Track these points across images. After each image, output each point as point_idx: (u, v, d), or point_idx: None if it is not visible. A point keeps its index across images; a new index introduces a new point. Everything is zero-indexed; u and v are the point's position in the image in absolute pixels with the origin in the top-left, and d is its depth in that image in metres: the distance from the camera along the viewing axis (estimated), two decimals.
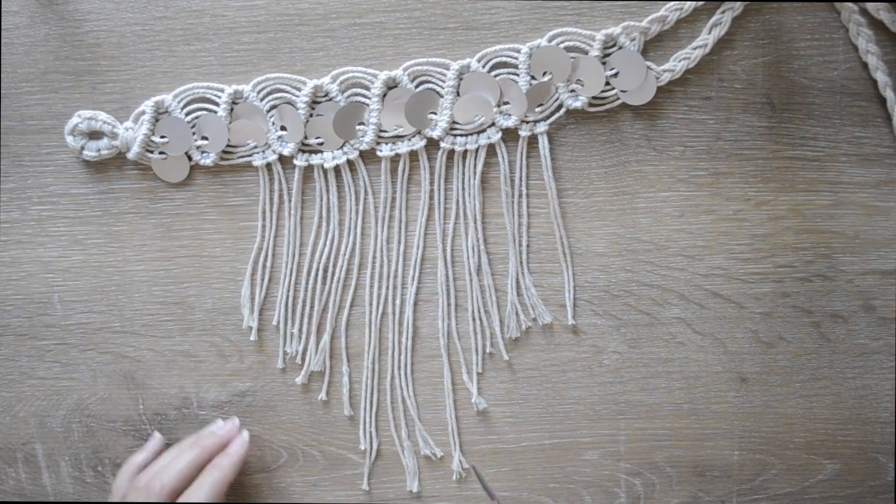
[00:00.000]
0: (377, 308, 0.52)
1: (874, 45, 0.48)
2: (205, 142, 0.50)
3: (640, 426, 0.53)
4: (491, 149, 0.50)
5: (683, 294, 0.51)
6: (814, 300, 0.51)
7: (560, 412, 0.53)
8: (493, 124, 0.50)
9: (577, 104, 0.49)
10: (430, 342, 0.52)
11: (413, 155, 0.50)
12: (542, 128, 0.50)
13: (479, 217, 0.51)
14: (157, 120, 0.50)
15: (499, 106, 0.49)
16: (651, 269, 0.51)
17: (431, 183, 0.51)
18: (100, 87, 0.50)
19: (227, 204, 0.51)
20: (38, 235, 0.52)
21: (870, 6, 0.48)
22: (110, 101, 0.50)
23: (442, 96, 0.49)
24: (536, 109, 0.49)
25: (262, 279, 0.52)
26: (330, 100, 0.50)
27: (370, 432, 0.53)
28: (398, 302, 0.52)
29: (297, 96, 0.49)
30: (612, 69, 0.49)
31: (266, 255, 0.51)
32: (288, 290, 0.52)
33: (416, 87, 0.49)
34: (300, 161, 0.50)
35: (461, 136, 0.50)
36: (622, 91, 0.49)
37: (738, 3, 0.48)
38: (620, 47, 0.49)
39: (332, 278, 0.52)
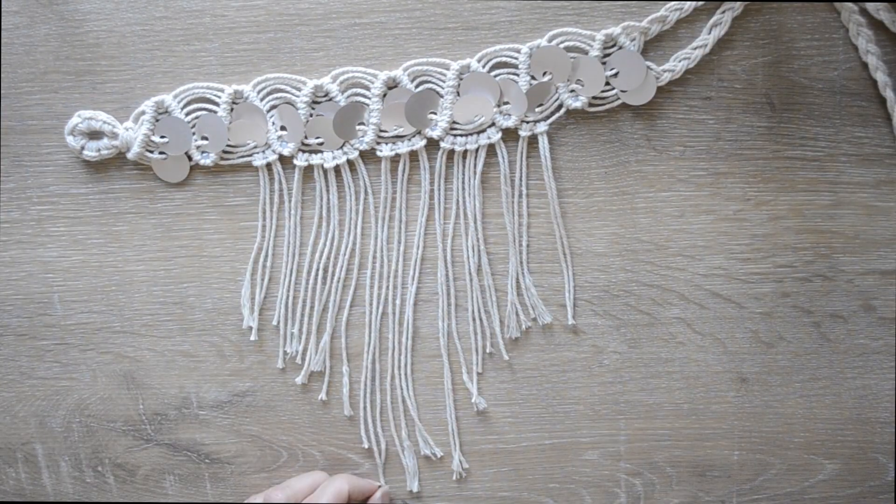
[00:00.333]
0: (377, 308, 0.52)
1: (874, 45, 0.48)
2: (205, 142, 0.50)
3: (640, 426, 0.53)
4: (491, 149, 0.50)
5: (683, 294, 0.51)
6: (814, 300, 0.51)
7: (560, 412, 0.53)
8: (493, 124, 0.50)
9: (577, 104, 0.49)
10: (430, 342, 0.52)
11: (413, 155, 0.50)
12: (542, 128, 0.50)
13: (479, 217, 0.51)
14: (157, 120, 0.50)
15: (499, 106, 0.49)
16: (651, 269, 0.51)
17: (431, 183, 0.51)
18: (100, 87, 0.50)
19: (227, 204, 0.51)
20: (38, 235, 0.52)
21: (870, 6, 0.48)
22: (110, 101, 0.50)
23: (442, 96, 0.49)
24: (536, 109, 0.49)
25: (262, 279, 0.52)
26: (330, 100, 0.50)
27: (376, 433, 0.53)
28: (398, 302, 0.52)
29: (297, 96, 0.49)
30: (612, 69, 0.49)
31: (266, 255, 0.51)
32: (288, 290, 0.52)
33: (416, 87, 0.49)
34: (300, 161, 0.50)
35: (461, 136, 0.50)
36: (622, 91, 0.49)
37: (738, 3, 0.48)
38: (620, 47, 0.49)
39: (332, 278, 0.52)
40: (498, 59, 0.49)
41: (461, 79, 0.49)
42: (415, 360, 0.53)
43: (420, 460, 0.53)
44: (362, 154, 0.50)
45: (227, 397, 0.53)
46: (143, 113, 0.50)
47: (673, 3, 0.48)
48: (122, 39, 0.49)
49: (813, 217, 0.50)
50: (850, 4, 0.48)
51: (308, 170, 0.51)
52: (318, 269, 0.52)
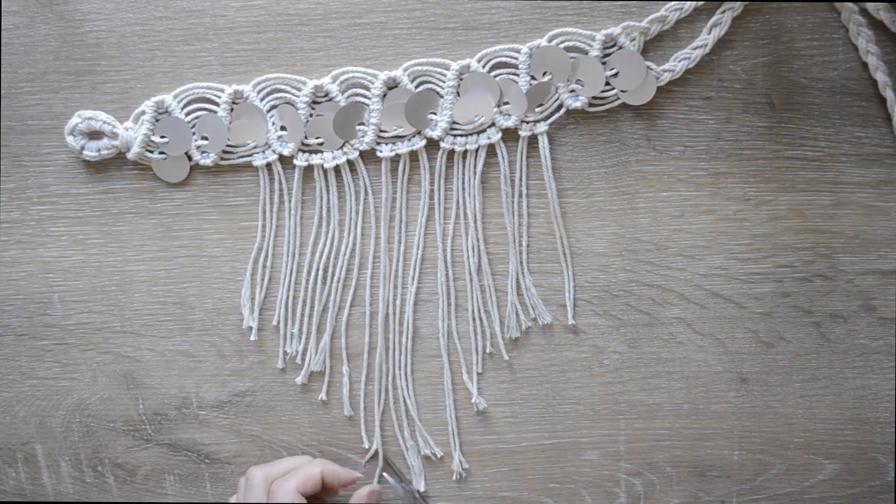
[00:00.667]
0: (377, 308, 0.52)
1: (874, 45, 0.48)
2: (205, 142, 0.50)
3: (640, 426, 0.53)
4: (491, 149, 0.50)
5: (683, 294, 0.51)
6: (814, 300, 0.51)
7: (560, 412, 0.53)
8: (493, 124, 0.50)
9: (577, 104, 0.49)
10: (430, 342, 0.52)
11: (413, 155, 0.50)
12: (542, 128, 0.50)
13: (479, 217, 0.51)
14: (157, 120, 0.50)
15: (499, 106, 0.49)
16: (651, 269, 0.51)
17: (431, 183, 0.51)
18: (100, 87, 0.50)
19: (227, 204, 0.51)
20: (38, 235, 0.52)
21: (870, 6, 0.48)
22: (110, 101, 0.50)
23: (442, 96, 0.49)
24: (536, 109, 0.49)
25: (262, 279, 0.52)
26: (330, 100, 0.50)
27: (377, 433, 0.53)
28: (398, 302, 0.52)
29: (297, 96, 0.49)
30: (612, 69, 0.49)
31: (266, 255, 0.51)
32: (288, 290, 0.52)
33: (416, 87, 0.49)
34: (300, 161, 0.50)
35: (461, 136, 0.50)
36: (622, 91, 0.49)
37: (738, 3, 0.48)
38: (620, 47, 0.49)
39: (332, 278, 0.52)
40: (498, 59, 0.49)
41: (461, 79, 0.49)
42: (415, 360, 0.53)
43: (420, 460, 0.53)
44: (362, 154, 0.50)
45: (227, 397, 0.53)
46: (143, 113, 0.50)
47: (673, 3, 0.48)
48: (122, 39, 0.49)
49: (813, 217, 0.50)
50: (850, 4, 0.48)
51: (308, 170, 0.51)
52: (318, 269, 0.52)
